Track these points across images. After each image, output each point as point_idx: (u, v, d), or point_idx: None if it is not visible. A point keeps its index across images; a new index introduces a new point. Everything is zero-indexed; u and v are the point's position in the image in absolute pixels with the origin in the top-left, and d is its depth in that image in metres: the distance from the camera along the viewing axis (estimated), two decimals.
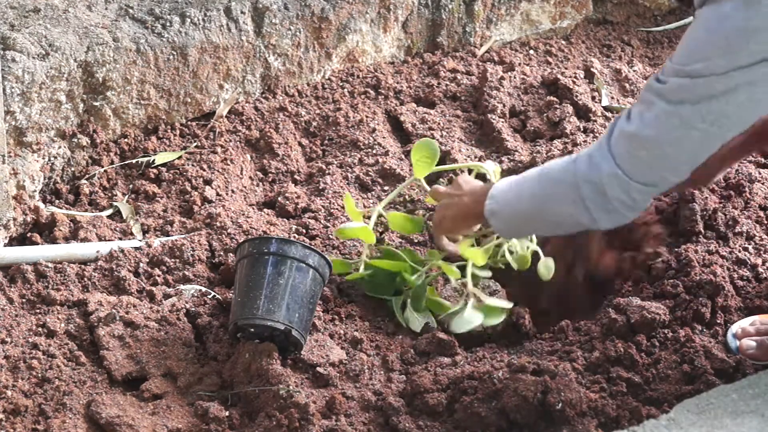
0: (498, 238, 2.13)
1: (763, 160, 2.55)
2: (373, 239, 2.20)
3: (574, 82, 2.82)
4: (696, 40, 1.70)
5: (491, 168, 2.23)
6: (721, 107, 1.67)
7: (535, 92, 2.83)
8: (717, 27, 1.66)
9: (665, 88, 1.71)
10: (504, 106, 2.75)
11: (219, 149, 2.55)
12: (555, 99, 2.78)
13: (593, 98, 2.81)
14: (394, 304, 2.18)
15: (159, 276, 2.21)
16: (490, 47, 3.03)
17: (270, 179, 2.54)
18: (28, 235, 2.29)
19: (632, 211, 1.80)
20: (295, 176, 2.55)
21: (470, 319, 2.03)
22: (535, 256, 2.14)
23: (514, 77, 2.86)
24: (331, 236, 2.33)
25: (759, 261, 2.25)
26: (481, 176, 2.25)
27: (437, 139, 2.61)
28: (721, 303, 2.15)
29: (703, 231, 2.33)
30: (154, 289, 2.17)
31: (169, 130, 2.58)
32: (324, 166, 2.54)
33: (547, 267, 2.09)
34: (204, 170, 2.49)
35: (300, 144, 2.64)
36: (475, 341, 2.15)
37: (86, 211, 2.38)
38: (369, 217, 2.25)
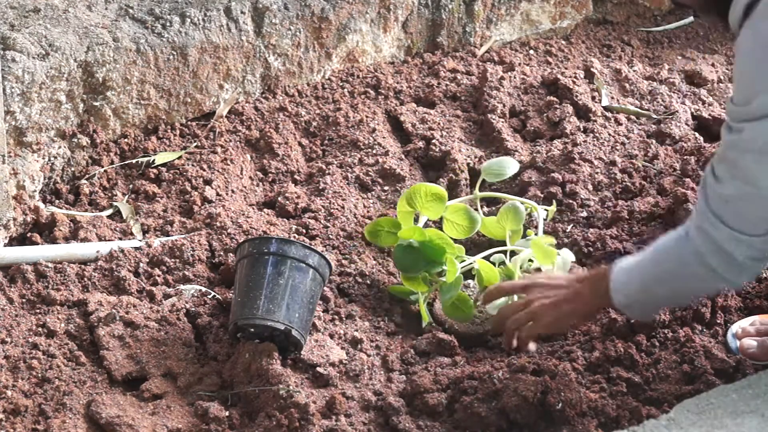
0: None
1: None
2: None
3: (574, 82, 2.82)
4: (747, 74, 1.67)
5: (568, 257, 2.18)
6: None
7: (535, 92, 2.83)
8: (763, 54, 1.63)
9: (743, 140, 1.67)
10: (504, 106, 2.75)
11: (219, 149, 2.55)
12: (555, 99, 2.78)
13: (593, 98, 2.81)
14: (420, 298, 2.17)
15: (159, 276, 2.21)
16: (490, 47, 3.03)
17: (270, 179, 2.54)
18: (28, 235, 2.29)
19: (764, 260, 1.79)
20: (295, 176, 2.55)
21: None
22: None
23: (514, 77, 2.86)
24: (331, 236, 2.33)
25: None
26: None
27: (437, 139, 2.61)
28: (721, 303, 2.15)
29: None
30: (154, 289, 2.17)
31: (169, 130, 2.58)
32: (324, 166, 2.54)
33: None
34: (204, 170, 2.49)
35: (300, 144, 2.64)
36: (475, 341, 2.15)
37: (86, 211, 2.38)
38: (417, 219, 2.27)
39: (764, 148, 1.65)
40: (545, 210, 2.34)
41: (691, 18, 3.29)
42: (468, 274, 2.23)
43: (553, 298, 1.96)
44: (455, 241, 2.25)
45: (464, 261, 2.21)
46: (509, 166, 2.40)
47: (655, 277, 1.86)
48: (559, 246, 2.27)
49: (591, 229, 2.39)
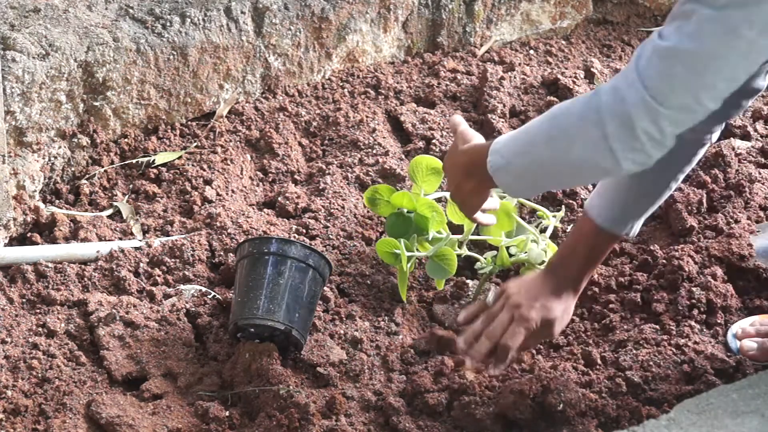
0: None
1: (763, 160, 2.55)
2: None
3: (574, 82, 2.82)
4: None
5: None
6: (765, 9, 1.48)
7: (535, 92, 2.83)
8: None
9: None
10: (504, 106, 2.75)
11: (219, 149, 2.55)
12: (555, 99, 2.77)
13: None
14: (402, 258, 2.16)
15: (159, 276, 2.21)
16: (490, 47, 3.03)
17: (270, 179, 2.54)
18: (28, 235, 2.29)
19: (658, 146, 1.58)
20: (295, 176, 2.55)
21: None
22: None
23: (514, 77, 2.86)
24: (331, 236, 2.33)
25: (760, 261, 2.25)
26: None
27: (437, 139, 2.61)
28: (721, 303, 2.15)
29: (695, 226, 2.33)
30: (154, 289, 2.17)
31: (169, 130, 2.58)
32: (324, 166, 2.54)
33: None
34: (204, 170, 2.49)
35: (300, 144, 2.64)
36: None
37: (86, 211, 2.38)
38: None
39: (724, 8, 1.50)
40: (554, 216, 2.33)
41: None
42: (468, 266, 2.26)
43: (447, 162, 1.90)
44: (455, 228, 2.26)
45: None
46: None
47: (546, 134, 1.68)
48: None
49: None
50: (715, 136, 1.95)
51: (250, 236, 2.27)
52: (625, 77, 1.58)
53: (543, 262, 2.20)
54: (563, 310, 1.94)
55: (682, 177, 1.97)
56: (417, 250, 2.19)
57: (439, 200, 2.29)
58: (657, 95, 1.54)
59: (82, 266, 2.20)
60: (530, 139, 1.70)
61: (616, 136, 1.57)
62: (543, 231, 2.29)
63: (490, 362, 1.90)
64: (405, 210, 2.22)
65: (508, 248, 2.23)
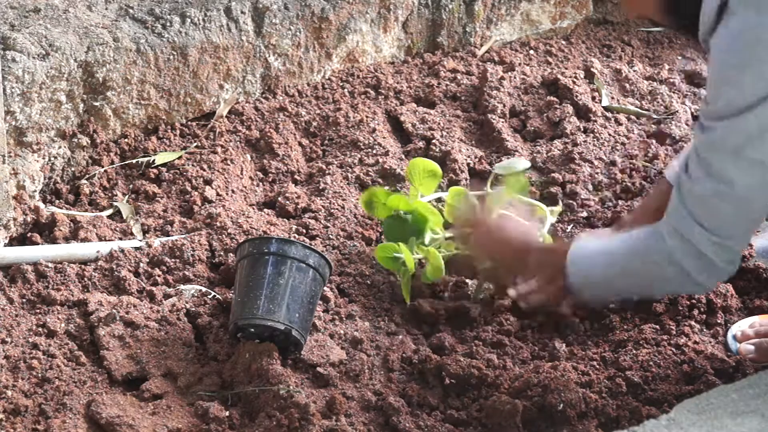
0: None
1: None
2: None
3: (574, 82, 2.82)
4: (716, 71, 1.66)
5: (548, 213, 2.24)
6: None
7: (535, 92, 2.83)
8: (731, 46, 1.62)
9: (716, 139, 1.67)
10: (504, 106, 2.75)
11: (219, 149, 2.55)
12: (555, 99, 2.78)
13: (593, 98, 2.81)
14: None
15: (159, 276, 2.21)
16: (490, 47, 3.03)
17: (270, 179, 2.54)
18: (28, 235, 2.29)
19: (737, 263, 1.79)
20: (295, 176, 2.55)
21: None
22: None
23: (514, 77, 2.86)
24: (331, 236, 2.33)
25: (760, 261, 2.25)
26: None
27: (437, 139, 2.61)
28: (720, 303, 2.15)
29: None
30: (154, 289, 2.17)
31: (169, 130, 2.58)
32: (324, 166, 2.54)
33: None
34: (204, 170, 2.49)
35: (300, 144, 2.64)
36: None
37: (86, 211, 2.38)
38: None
39: (737, 149, 1.64)
40: (551, 211, 2.33)
41: None
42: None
43: (490, 245, 2.05)
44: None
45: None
46: (519, 163, 2.44)
47: (620, 269, 1.86)
48: None
49: (591, 230, 2.39)
50: None
51: (250, 236, 2.27)
52: (682, 218, 1.74)
53: None
54: None
55: None
56: (416, 252, 2.19)
57: (438, 200, 2.29)
58: (719, 232, 1.72)
59: (82, 266, 2.20)
60: (608, 272, 1.87)
61: (698, 271, 1.75)
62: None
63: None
64: (402, 212, 2.22)
65: None
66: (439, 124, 2.68)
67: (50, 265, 2.18)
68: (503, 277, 2.09)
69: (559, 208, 2.34)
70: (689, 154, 1.76)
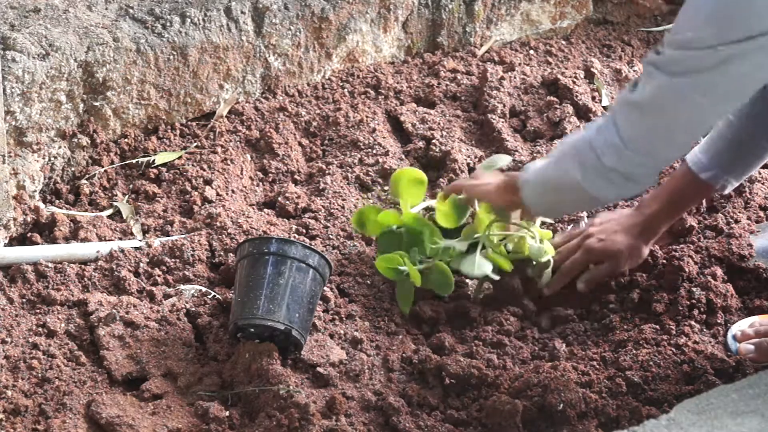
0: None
1: None
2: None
3: (574, 82, 2.82)
4: (688, 10, 1.71)
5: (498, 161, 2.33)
6: (713, 79, 1.69)
7: (535, 92, 2.83)
8: None
9: (661, 60, 1.74)
10: (504, 106, 2.75)
11: (219, 149, 2.55)
12: (555, 99, 2.78)
13: (593, 98, 2.81)
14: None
15: (159, 276, 2.21)
16: (490, 47, 3.03)
17: (270, 179, 2.54)
18: (28, 235, 2.29)
19: (631, 183, 1.85)
20: (295, 176, 2.55)
21: (481, 264, 2.11)
22: None
23: (514, 77, 2.86)
24: (331, 236, 2.33)
25: (760, 261, 2.25)
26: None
27: (437, 139, 2.61)
28: (720, 303, 2.15)
29: (695, 226, 2.33)
30: (154, 289, 2.17)
31: (169, 130, 2.58)
32: (324, 166, 2.54)
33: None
34: (204, 170, 2.49)
35: (300, 144, 2.64)
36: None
37: (86, 211, 2.38)
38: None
39: (673, 75, 1.71)
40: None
41: None
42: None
43: (475, 183, 2.20)
44: (446, 230, 2.26)
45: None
46: (501, 160, 2.42)
47: (554, 158, 1.99)
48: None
49: None
50: None
51: (250, 236, 2.27)
52: (606, 119, 1.85)
53: (546, 259, 2.20)
54: (631, 247, 2.19)
55: None
56: (419, 263, 2.18)
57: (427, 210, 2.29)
58: (623, 138, 1.80)
59: (82, 266, 2.20)
60: (545, 162, 2.02)
61: (592, 166, 1.84)
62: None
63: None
64: (394, 227, 2.21)
65: (505, 246, 2.23)
66: (439, 124, 2.68)
67: (50, 265, 2.18)
68: (499, 212, 2.17)
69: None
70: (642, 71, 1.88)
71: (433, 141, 2.62)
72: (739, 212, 2.38)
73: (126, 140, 2.51)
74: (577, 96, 2.77)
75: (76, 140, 2.42)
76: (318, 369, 2.00)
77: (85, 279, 2.18)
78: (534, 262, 2.22)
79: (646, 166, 1.85)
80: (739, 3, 1.64)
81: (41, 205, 2.33)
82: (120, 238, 2.30)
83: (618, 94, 1.86)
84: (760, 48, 1.64)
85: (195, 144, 2.57)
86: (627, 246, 2.19)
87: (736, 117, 2.15)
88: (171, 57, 2.50)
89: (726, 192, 2.24)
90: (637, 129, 1.80)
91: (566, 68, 2.95)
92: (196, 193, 2.42)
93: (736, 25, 1.63)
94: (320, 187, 2.47)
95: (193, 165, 2.50)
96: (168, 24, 2.50)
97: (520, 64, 2.94)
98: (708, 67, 1.68)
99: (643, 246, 2.22)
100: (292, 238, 2.22)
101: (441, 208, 2.24)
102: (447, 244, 2.19)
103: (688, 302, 2.14)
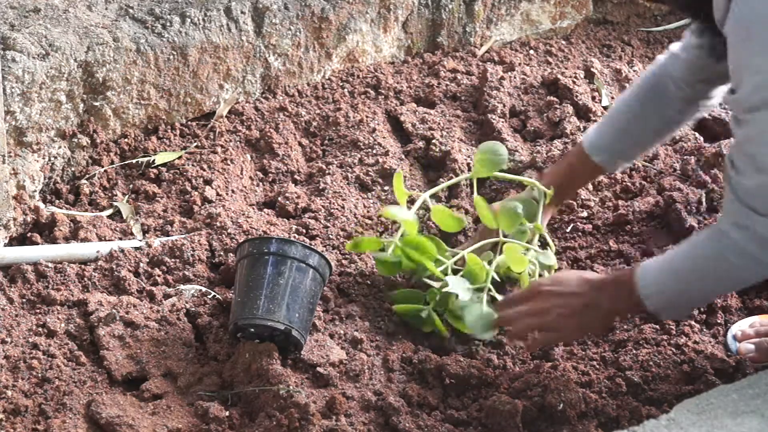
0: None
1: None
2: (415, 230, 2.13)
3: (574, 82, 2.82)
4: (735, 59, 1.65)
5: (548, 261, 2.16)
6: None
7: (535, 92, 2.83)
8: (743, 31, 1.61)
9: (753, 132, 1.67)
10: (504, 106, 2.75)
11: (219, 149, 2.55)
12: (555, 99, 2.78)
13: (593, 98, 2.81)
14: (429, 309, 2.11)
15: (159, 276, 2.21)
16: (490, 47, 3.03)
17: (270, 179, 2.54)
18: (28, 235, 2.29)
19: None
20: (295, 176, 2.55)
21: (487, 324, 1.99)
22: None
23: (514, 77, 2.86)
24: (331, 236, 2.33)
25: None
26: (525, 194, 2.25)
27: (437, 139, 2.61)
28: (720, 303, 2.15)
29: (695, 226, 2.33)
30: (154, 289, 2.17)
31: (169, 130, 2.58)
32: (324, 166, 2.54)
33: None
34: (204, 170, 2.49)
35: (300, 144, 2.64)
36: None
37: (86, 211, 2.38)
38: (413, 202, 2.23)
39: None
40: (545, 192, 2.27)
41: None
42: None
43: (570, 307, 1.91)
44: (447, 236, 2.25)
45: (445, 261, 2.15)
46: (497, 148, 2.26)
47: (693, 277, 1.85)
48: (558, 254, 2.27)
49: (591, 229, 2.40)
50: (713, 102, 2.14)
51: (250, 236, 2.27)
52: (739, 211, 1.75)
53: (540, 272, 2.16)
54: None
55: (669, 134, 2.29)
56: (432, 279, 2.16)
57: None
58: None
59: (82, 266, 2.20)
60: (681, 283, 1.86)
61: (764, 252, 1.75)
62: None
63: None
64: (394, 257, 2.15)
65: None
66: (439, 124, 2.68)
67: (50, 265, 2.18)
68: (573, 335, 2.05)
69: (551, 192, 2.25)
70: (732, 148, 1.77)
71: (433, 141, 2.62)
72: None
73: (126, 140, 2.51)
74: (577, 96, 2.77)
75: (76, 140, 2.43)
76: (318, 369, 2.00)
77: (85, 279, 2.18)
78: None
79: None
80: None
81: (41, 205, 2.33)
82: (120, 238, 2.30)
83: (730, 186, 1.77)
84: None
85: (195, 144, 2.57)
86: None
87: (627, 103, 2.19)
88: (171, 57, 2.50)
89: (617, 171, 2.36)
90: None
91: (566, 68, 2.95)
92: (196, 193, 2.42)
93: None
94: (320, 187, 2.47)
95: (193, 165, 2.50)
96: (168, 24, 2.50)
97: (520, 64, 2.94)
98: None
99: (547, 211, 2.24)
100: (292, 238, 2.22)
101: (438, 213, 2.21)
102: (447, 291, 2.06)
103: None
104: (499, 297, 2.05)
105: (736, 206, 1.76)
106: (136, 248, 2.25)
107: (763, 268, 1.79)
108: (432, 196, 2.31)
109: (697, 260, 1.85)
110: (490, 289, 2.05)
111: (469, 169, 2.56)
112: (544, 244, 2.20)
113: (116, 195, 2.43)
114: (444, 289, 2.06)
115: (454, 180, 2.41)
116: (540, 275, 2.12)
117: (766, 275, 1.85)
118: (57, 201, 2.40)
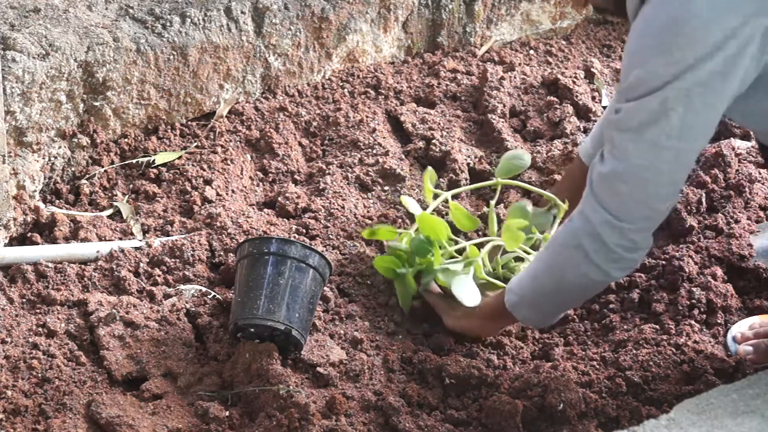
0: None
1: (763, 160, 2.55)
2: (444, 235, 2.17)
3: (574, 82, 2.82)
4: (629, 53, 1.68)
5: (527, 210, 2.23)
6: (681, 118, 1.64)
7: (535, 92, 2.83)
8: (644, 30, 1.64)
9: (621, 118, 1.69)
10: (504, 106, 2.75)
11: (219, 149, 2.55)
12: (555, 99, 2.78)
13: (593, 98, 2.81)
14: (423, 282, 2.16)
15: (159, 276, 2.21)
16: (490, 47, 3.03)
17: (270, 179, 2.54)
18: (29, 235, 2.29)
19: (636, 252, 1.78)
20: (295, 176, 2.55)
21: (472, 290, 2.05)
22: None
23: (514, 77, 2.86)
24: (331, 236, 2.33)
25: (760, 261, 2.25)
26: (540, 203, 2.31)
27: (437, 139, 2.61)
28: (720, 303, 2.15)
29: (695, 226, 2.33)
30: (154, 289, 2.17)
31: (169, 130, 2.58)
32: (324, 166, 2.54)
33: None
34: (204, 170, 2.49)
35: (300, 144, 2.64)
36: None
37: (86, 211, 2.38)
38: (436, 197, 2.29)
39: (638, 128, 1.67)
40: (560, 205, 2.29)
41: None
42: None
43: (462, 324, 2.09)
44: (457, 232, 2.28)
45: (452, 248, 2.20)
46: (522, 156, 2.39)
47: (543, 266, 1.89)
48: None
49: None
50: None
51: (250, 236, 2.27)
52: (588, 201, 1.77)
53: None
54: None
55: None
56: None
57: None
58: (615, 213, 1.73)
59: (82, 266, 2.20)
60: (533, 273, 1.91)
61: (594, 251, 1.77)
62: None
63: None
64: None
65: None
66: (439, 124, 2.68)
67: (50, 265, 2.18)
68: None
69: (565, 207, 2.28)
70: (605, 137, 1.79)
71: (433, 141, 2.62)
72: (739, 212, 2.38)
73: (126, 140, 2.51)
74: (577, 96, 2.77)
75: (76, 140, 2.42)
76: (318, 369, 2.00)
77: (85, 279, 2.18)
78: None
79: (646, 229, 1.78)
80: (679, 24, 1.59)
81: (41, 205, 2.33)
82: (120, 238, 2.30)
83: (589, 173, 1.78)
84: (713, 72, 1.59)
85: (195, 144, 2.57)
86: None
87: None
88: (171, 57, 2.50)
89: None
90: (624, 199, 1.73)
91: (566, 68, 2.95)
92: (196, 193, 2.42)
93: (684, 47, 1.59)
94: (320, 187, 2.47)
95: (193, 165, 2.50)
96: (168, 24, 2.50)
97: (520, 64, 2.94)
98: (672, 105, 1.62)
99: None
100: (292, 238, 2.22)
101: (455, 211, 2.24)
102: (444, 265, 2.14)
103: (688, 302, 2.14)
104: (489, 278, 2.12)
105: (587, 194, 1.78)
106: (136, 248, 2.25)
107: (589, 265, 1.78)
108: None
109: (546, 252, 1.89)
110: (479, 271, 2.11)
111: (470, 169, 2.57)
112: None
113: (116, 195, 2.43)
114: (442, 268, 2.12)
115: (479, 185, 2.43)
116: None
117: (595, 277, 1.81)
118: (57, 201, 2.40)
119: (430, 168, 2.35)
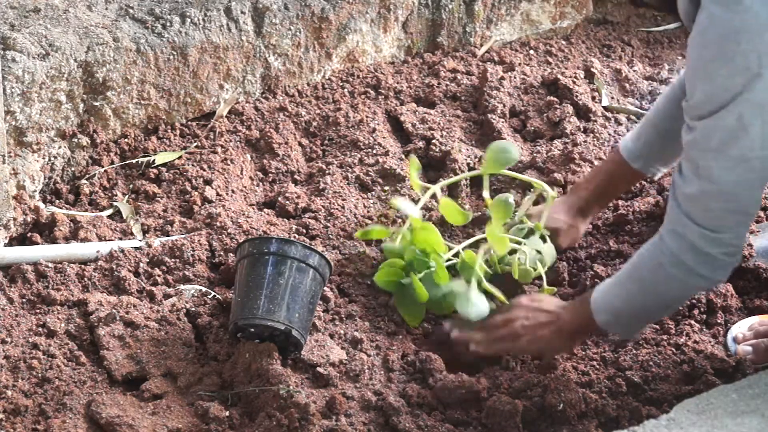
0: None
1: None
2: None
3: (574, 82, 2.82)
4: (691, 67, 1.67)
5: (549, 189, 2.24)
6: (761, 130, 1.63)
7: (535, 92, 2.83)
8: (702, 41, 1.62)
9: (698, 138, 1.68)
10: (504, 106, 2.75)
11: (219, 149, 2.55)
12: (555, 99, 2.78)
13: (593, 98, 2.81)
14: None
15: (159, 276, 2.21)
16: (490, 47, 3.03)
17: (270, 179, 2.54)
18: (28, 235, 2.29)
19: (738, 253, 1.80)
20: (295, 176, 2.55)
21: (478, 303, 2.01)
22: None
23: (514, 77, 2.86)
24: (331, 236, 2.33)
25: (760, 261, 2.25)
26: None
27: (437, 139, 2.61)
28: (720, 303, 2.15)
29: None
30: (154, 289, 2.17)
31: (169, 130, 2.58)
32: (324, 166, 2.54)
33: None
34: (204, 170, 2.49)
35: (300, 144, 2.64)
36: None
37: (86, 211, 2.38)
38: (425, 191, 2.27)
39: (720, 147, 1.66)
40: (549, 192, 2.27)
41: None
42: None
43: (533, 320, 1.98)
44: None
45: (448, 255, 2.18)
46: (509, 147, 2.28)
47: (635, 287, 1.88)
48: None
49: (591, 229, 2.39)
50: None
51: (250, 236, 2.27)
52: (677, 219, 1.77)
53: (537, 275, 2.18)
54: (569, 225, 2.24)
55: None
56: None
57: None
58: (711, 228, 1.74)
59: (82, 266, 2.20)
60: (625, 295, 1.89)
61: (699, 264, 1.77)
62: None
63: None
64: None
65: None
66: (439, 124, 2.68)
67: (50, 265, 2.18)
68: (548, 355, 2.06)
69: (554, 194, 2.26)
70: (682, 155, 1.77)
71: (433, 141, 2.62)
72: None
73: (126, 140, 2.51)
74: (577, 96, 2.77)
75: (76, 140, 2.43)
76: (318, 369, 2.00)
77: (85, 279, 2.18)
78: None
79: (743, 233, 1.79)
80: (737, 31, 1.57)
81: (41, 205, 2.33)
82: (120, 238, 2.30)
83: (671, 191, 1.79)
84: None
85: (195, 144, 2.57)
86: (565, 223, 2.23)
87: (665, 104, 2.17)
88: (171, 57, 2.50)
89: (656, 178, 2.32)
90: (718, 214, 1.73)
91: (566, 68, 2.95)
92: (196, 193, 2.42)
93: (747, 53, 1.57)
94: (320, 187, 2.47)
95: (193, 165, 2.50)
96: (168, 24, 2.50)
97: (520, 64, 2.94)
98: (750, 122, 1.61)
99: (580, 224, 2.27)
100: (292, 238, 2.22)
101: (446, 206, 2.22)
102: (446, 289, 2.08)
103: (687, 302, 2.14)
104: (491, 287, 2.08)
105: (675, 213, 1.77)
106: (136, 248, 2.25)
107: (694, 277, 1.79)
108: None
109: (638, 271, 1.88)
110: (481, 281, 2.07)
111: (470, 169, 2.56)
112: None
113: (116, 195, 2.43)
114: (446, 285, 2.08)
115: (465, 175, 2.42)
116: (533, 268, 2.15)
117: (699, 285, 1.85)
118: (57, 201, 2.40)
119: (413, 157, 2.30)
